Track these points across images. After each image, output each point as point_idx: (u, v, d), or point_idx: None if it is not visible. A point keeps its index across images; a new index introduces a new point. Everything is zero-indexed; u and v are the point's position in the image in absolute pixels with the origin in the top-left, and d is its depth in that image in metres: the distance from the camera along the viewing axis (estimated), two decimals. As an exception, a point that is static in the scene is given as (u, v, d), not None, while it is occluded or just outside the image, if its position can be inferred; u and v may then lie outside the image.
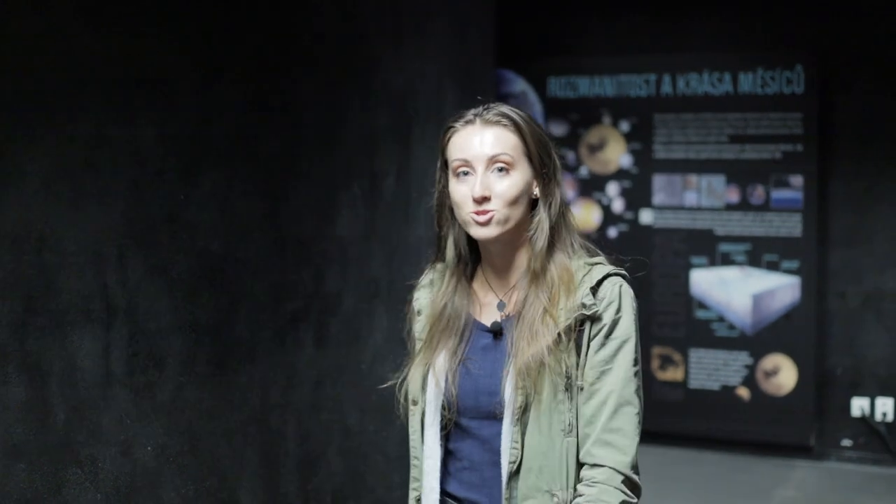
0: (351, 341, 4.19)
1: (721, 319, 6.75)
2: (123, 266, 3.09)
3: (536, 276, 2.34)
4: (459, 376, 2.37)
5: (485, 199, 2.31)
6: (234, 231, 3.52)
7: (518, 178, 2.33)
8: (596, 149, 6.98)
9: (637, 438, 2.29)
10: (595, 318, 2.30)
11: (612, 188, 6.95)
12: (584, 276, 2.33)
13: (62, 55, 2.95)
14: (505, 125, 2.35)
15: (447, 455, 2.41)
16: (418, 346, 2.46)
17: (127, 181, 3.12)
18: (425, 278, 2.52)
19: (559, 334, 2.28)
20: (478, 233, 2.32)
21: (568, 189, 6.99)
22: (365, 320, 4.29)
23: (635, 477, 2.29)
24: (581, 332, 2.30)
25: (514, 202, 2.33)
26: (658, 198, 6.85)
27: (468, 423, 2.37)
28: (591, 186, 6.99)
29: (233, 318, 3.53)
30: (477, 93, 5.25)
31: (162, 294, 3.21)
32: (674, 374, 6.87)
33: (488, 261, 2.41)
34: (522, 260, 2.37)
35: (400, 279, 4.33)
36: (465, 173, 2.33)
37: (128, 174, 3.12)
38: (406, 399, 2.47)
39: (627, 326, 2.31)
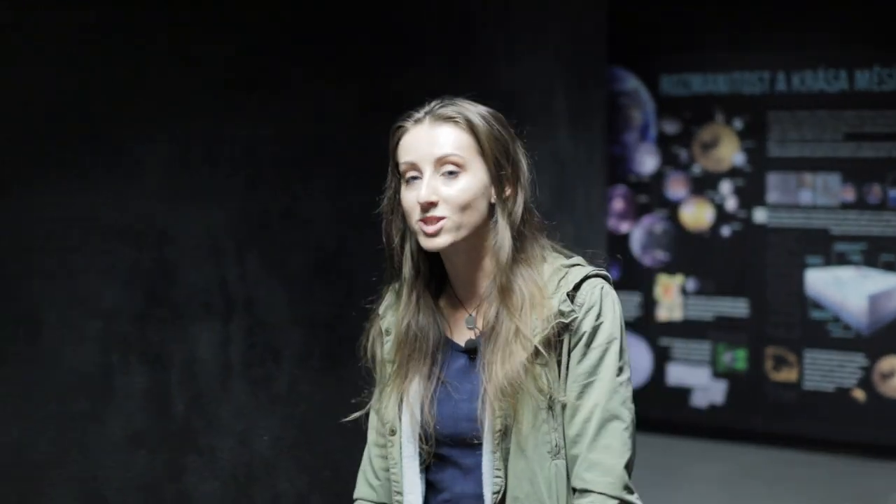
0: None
1: (836, 320, 6.63)
2: (241, 260, 3.15)
3: (504, 289, 2.10)
4: (437, 403, 2.15)
5: (431, 205, 2.08)
6: (348, 226, 3.57)
7: (470, 181, 2.10)
8: (709, 147, 6.91)
9: (628, 455, 2.05)
10: (574, 327, 2.08)
11: (725, 186, 6.88)
12: (560, 280, 2.11)
13: (182, 56, 3.03)
14: (457, 122, 2.12)
15: (428, 487, 2.20)
16: (388, 370, 2.24)
17: (244, 178, 3.19)
18: (388, 299, 2.30)
19: (536, 348, 2.06)
20: (427, 244, 2.09)
21: (680, 187, 6.95)
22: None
23: (629, 497, 2.05)
24: (561, 342, 2.08)
25: (465, 207, 2.09)
26: (772, 196, 6.76)
27: (448, 451, 2.16)
28: (704, 185, 6.92)
29: (346, 312, 3.58)
30: (589, 90, 5.26)
31: (278, 288, 3.28)
32: (788, 374, 6.77)
33: (452, 273, 2.18)
34: (489, 270, 2.14)
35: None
36: (414, 178, 2.10)
37: (245, 171, 3.19)
38: (374, 429, 2.31)
39: (610, 332, 2.07)
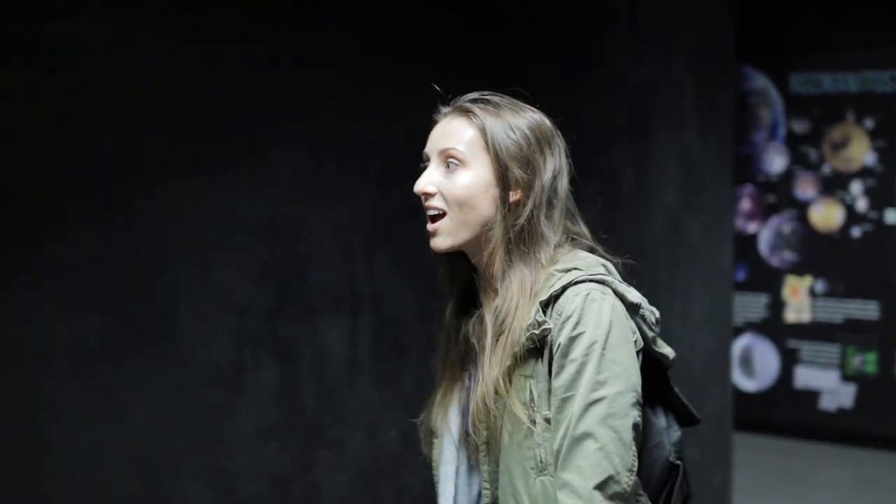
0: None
1: (972, 323, 6.49)
2: (370, 257, 3.19)
3: (492, 296, 2.04)
4: (464, 410, 2.12)
5: (427, 196, 2.04)
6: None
7: (469, 177, 2.02)
8: (839, 146, 6.80)
9: (602, 476, 1.86)
10: (553, 337, 1.94)
11: (856, 187, 6.76)
12: (544, 288, 1.98)
13: (315, 55, 3.08)
14: (470, 117, 2.05)
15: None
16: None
17: (374, 177, 3.23)
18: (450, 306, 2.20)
19: (518, 357, 1.96)
20: (430, 243, 2.06)
21: (809, 187, 6.84)
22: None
23: None
24: (542, 353, 1.96)
25: (462, 204, 2.02)
26: (904, 197, 6.64)
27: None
28: (834, 185, 6.81)
29: (472, 310, 3.61)
30: (717, 89, 5.21)
31: (405, 285, 3.31)
32: (920, 379, 6.64)
33: (477, 271, 2.11)
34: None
35: (636, 274, 4.32)
36: (425, 168, 2.09)
37: (374, 169, 3.23)
38: (425, 432, 2.24)
39: (589, 344, 1.90)
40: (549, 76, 3.97)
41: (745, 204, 7.00)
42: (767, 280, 6.90)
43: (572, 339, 1.91)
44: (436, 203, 2.04)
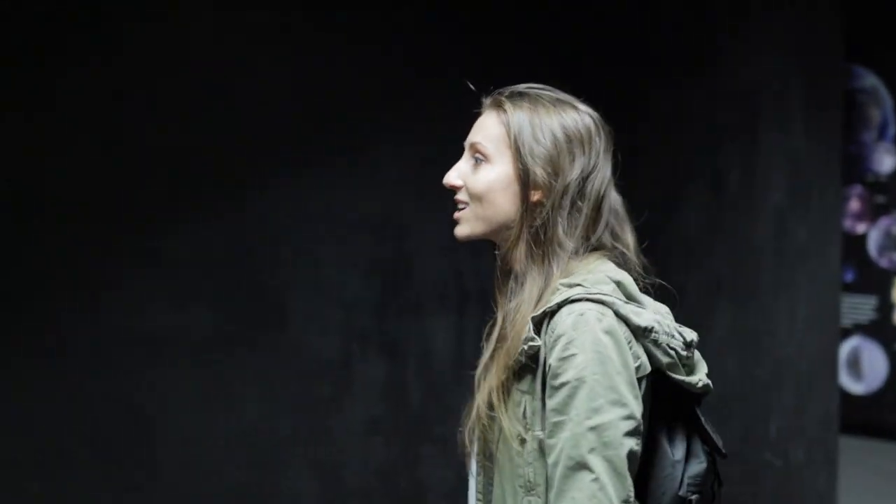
0: (692, 335, 4.20)
1: None
2: (475, 254, 3.22)
3: (505, 294, 1.97)
4: None
5: (453, 188, 2.00)
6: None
7: (490, 173, 1.97)
8: (952, 146, 6.68)
9: None
10: (543, 356, 1.84)
11: (969, 188, 6.64)
12: (548, 301, 1.88)
13: (421, 59, 3.12)
14: (499, 113, 2.00)
15: None
16: None
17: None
18: None
19: (514, 371, 1.87)
20: (454, 232, 2.02)
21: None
22: (707, 315, 4.28)
23: None
24: (535, 371, 1.85)
25: (480, 198, 1.96)
26: None
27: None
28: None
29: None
30: (825, 89, 5.15)
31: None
32: None
33: (500, 269, 2.02)
34: None
35: (742, 275, 4.30)
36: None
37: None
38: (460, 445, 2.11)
39: (581, 367, 1.79)
40: (656, 77, 3.97)
41: (854, 204, 6.91)
42: (876, 282, 6.80)
43: (563, 361, 1.81)
44: (460, 195, 1.99)
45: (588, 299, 1.83)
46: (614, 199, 2.04)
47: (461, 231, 2.00)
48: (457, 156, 3.10)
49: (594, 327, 1.80)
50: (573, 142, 1.97)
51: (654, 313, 1.94)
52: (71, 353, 2.99)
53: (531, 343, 1.83)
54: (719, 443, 1.99)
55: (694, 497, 1.94)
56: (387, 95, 3.04)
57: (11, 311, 2.82)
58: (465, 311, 3.19)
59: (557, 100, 2.01)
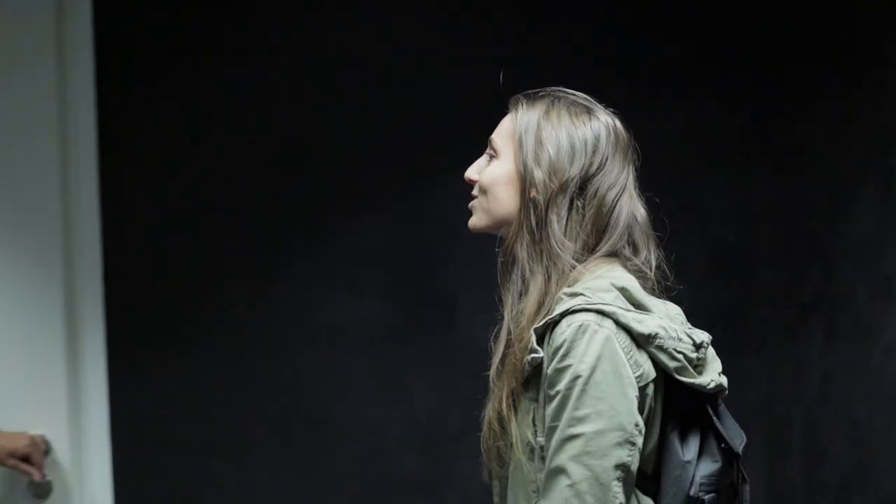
0: (861, 337, 4.16)
1: None
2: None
3: (507, 294, 2.02)
4: None
5: (470, 182, 2.11)
6: (747, 221, 3.61)
7: (496, 168, 2.05)
8: None
9: None
10: (544, 366, 1.87)
11: None
12: (550, 311, 1.91)
13: (596, 53, 3.18)
14: (514, 110, 2.08)
15: None
16: None
17: (648, 172, 3.29)
18: None
19: (522, 380, 1.92)
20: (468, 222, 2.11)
21: None
22: (876, 317, 4.23)
23: None
24: (539, 380, 1.89)
25: (487, 191, 2.05)
26: None
27: None
28: None
29: (744, 306, 3.63)
30: None
31: (678, 279, 3.37)
32: None
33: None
34: None
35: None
36: None
37: (648, 165, 3.30)
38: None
39: (572, 377, 1.82)
40: (824, 72, 3.95)
41: None
42: None
43: (558, 371, 1.85)
44: (474, 189, 2.09)
45: (587, 309, 1.86)
46: (637, 212, 2.08)
47: (471, 222, 2.10)
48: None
49: (590, 338, 1.83)
50: (576, 143, 2.01)
51: (659, 318, 1.96)
52: (254, 342, 3.16)
53: (534, 356, 1.87)
54: (736, 441, 2.00)
55: (707, 497, 1.95)
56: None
57: (201, 301, 2.98)
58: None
59: (574, 103, 2.07)
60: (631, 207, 2.06)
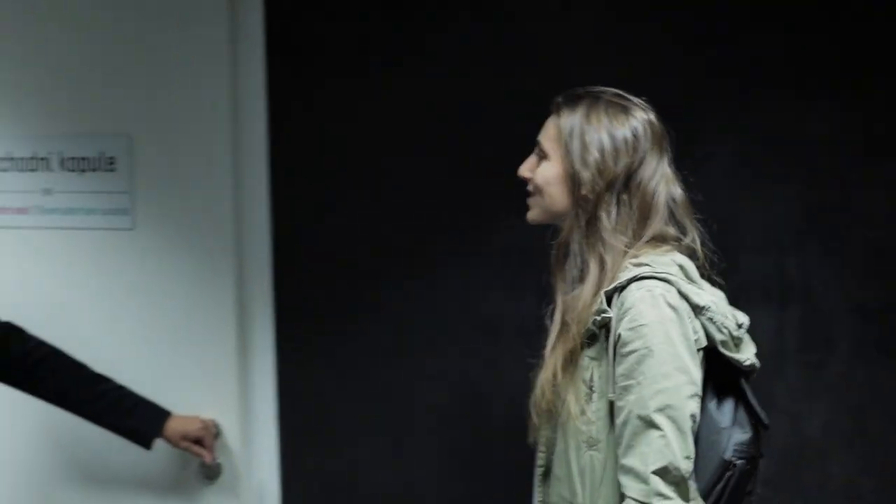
0: None
1: None
2: (800, 249, 3.25)
3: (560, 278, 2.28)
4: None
5: (524, 179, 2.34)
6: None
7: (546, 169, 2.28)
8: None
9: (663, 462, 2.03)
10: (612, 327, 2.11)
11: None
12: (616, 279, 2.15)
13: (745, 52, 3.17)
14: (557, 114, 2.29)
15: None
16: None
17: (805, 169, 3.27)
18: None
19: (583, 341, 2.16)
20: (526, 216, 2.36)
21: None
22: None
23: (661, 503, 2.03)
24: (607, 340, 2.13)
25: (541, 190, 2.29)
26: None
27: None
28: None
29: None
30: None
31: (834, 277, 3.34)
32: None
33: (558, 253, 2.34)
34: None
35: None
36: None
37: (805, 163, 3.27)
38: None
39: (648, 337, 2.05)
40: None
41: None
42: None
43: (631, 331, 2.06)
44: (529, 185, 2.33)
45: (655, 277, 2.10)
46: (676, 194, 2.29)
47: (529, 216, 2.35)
48: (779, 151, 3.16)
49: (660, 302, 2.07)
50: (618, 143, 2.22)
51: (710, 295, 2.21)
52: (416, 334, 3.26)
53: (603, 314, 2.11)
54: (763, 415, 2.20)
55: (739, 462, 2.14)
56: (710, 91, 3.12)
57: (366, 295, 3.08)
58: (787, 306, 3.23)
59: (611, 102, 2.26)
60: (669, 191, 2.28)
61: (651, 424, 2.04)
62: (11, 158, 3.46)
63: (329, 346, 3.34)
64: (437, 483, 3.27)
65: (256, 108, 3.32)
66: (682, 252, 2.29)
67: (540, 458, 2.32)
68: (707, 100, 3.13)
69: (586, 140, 2.22)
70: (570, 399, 2.17)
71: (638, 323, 2.07)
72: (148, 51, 3.32)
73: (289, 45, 3.33)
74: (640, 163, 2.24)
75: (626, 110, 2.27)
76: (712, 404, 2.18)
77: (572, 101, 2.28)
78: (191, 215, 3.33)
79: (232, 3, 3.28)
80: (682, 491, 2.05)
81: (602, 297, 2.13)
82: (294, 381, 3.41)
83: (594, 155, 2.21)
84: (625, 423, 2.07)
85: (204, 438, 3.23)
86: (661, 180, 2.27)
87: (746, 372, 2.24)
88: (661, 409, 2.04)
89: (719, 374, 2.19)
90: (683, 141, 3.08)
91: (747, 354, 2.24)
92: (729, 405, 2.21)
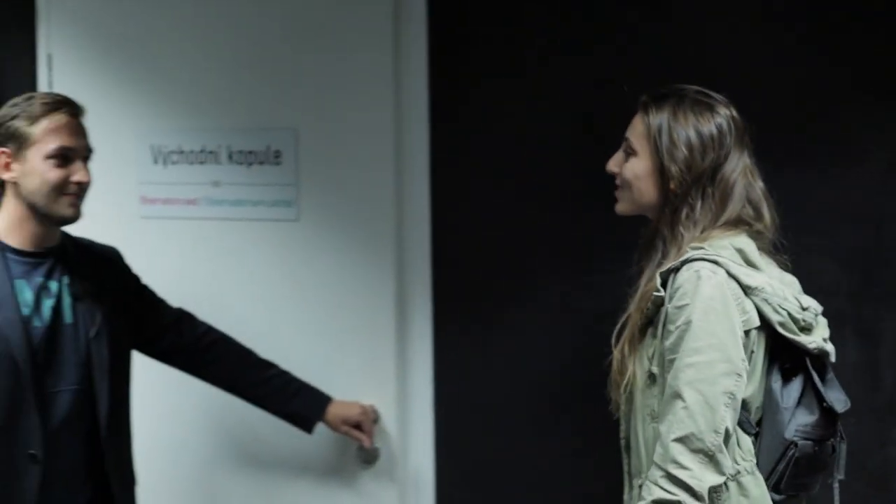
0: None
1: None
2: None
3: (648, 259, 2.42)
4: None
5: (613, 174, 2.48)
6: None
7: (634, 165, 2.40)
8: None
9: (681, 433, 2.16)
10: (665, 306, 2.26)
11: None
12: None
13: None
14: (643, 112, 2.41)
15: None
16: None
17: None
18: None
19: (646, 319, 2.31)
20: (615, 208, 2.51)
21: None
22: None
23: (675, 471, 2.15)
24: (659, 319, 2.28)
25: (630, 185, 2.42)
26: None
27: None
28: None
29: None
30: None
31: None
32: None
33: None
34: None
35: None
36: None
37: None
38: None
39: (690, 313, 2.19)
40: None
41: None
42: None
43: (678, 309, 2.21)
44: (618, 180, 2.47)
45: (704, 259, 2.23)
46: (756, 184, 2.42)
47: (618, 208, 2.49)
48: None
49: (706, 282, 2.20)
50: (704, 140, 2.35)
51: (768, 278, 2.32)
52: (570, 325, 3.32)
53: (656, 294, 2.27)
54: (837, 403, 2.30)
55: (801, 442, 2.25)
56: (872, 83, 3.10)
57: (522, 285, 3.14)
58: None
59: (696, 101, 2.38)
60: (747, 181, 2.40)
61: (678, 395, 2.18)
62: (182, 151, 3.62)
63: (484, 336, 3.42)
64: (593, 467, 3.30)
65: (418, 104, 3.42)
66: (752, 237, 2.40)
67: (621, 431, 2.44)
68: (867, 89, 3.12)
69: (674, 137, 2.35)
70: (637, 374, 2.33)
71: (683, 302, 2.21)
72: (312, 48, 3.45)
73: (450, 43, 3.40)
74: (726, 157, 2.37)
75: (710, 107, 2.39)
76: (777, 385, 2.30)
77: (659, 100, 2.40)
78: (353, 207, 3.45)
79: (396, 11, 3.40)
80: (711, 462, 2.17)
81: (658, 279, 2.28)
82: (450, 369, 3.49)
83: (682, 151, 2.34)
84: (663, 393, 2.25)
85: (363, 423, 3.33)
86: (743, 172, 2.39)
87: (816, 357, 2.33)
88: (689, 383, 2.17)
89: (787, 358, 2.31)
90: (841, 133, 3.11)
91: (815, 338, 2.32)
92: (796, 386, 2.31)
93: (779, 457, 2.28)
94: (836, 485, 2.38)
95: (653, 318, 2.32)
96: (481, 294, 3.43)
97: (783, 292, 2.32)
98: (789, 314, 2.29)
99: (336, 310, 3.49)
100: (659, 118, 2.37)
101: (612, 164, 2.48)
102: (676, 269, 2.26)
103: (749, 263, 2.33)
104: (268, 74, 3.51)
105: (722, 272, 2.23)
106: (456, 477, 3.52)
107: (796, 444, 2.27)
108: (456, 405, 3.50)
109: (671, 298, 2.24)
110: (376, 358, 3.46)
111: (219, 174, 3.58)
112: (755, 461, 2.29)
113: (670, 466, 2.16)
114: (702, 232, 2.34)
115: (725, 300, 2.21)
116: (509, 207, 3.37)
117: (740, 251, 2.32)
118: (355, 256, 3.46)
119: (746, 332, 2.25)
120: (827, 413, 2.32)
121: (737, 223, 2.38)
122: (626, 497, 2.45)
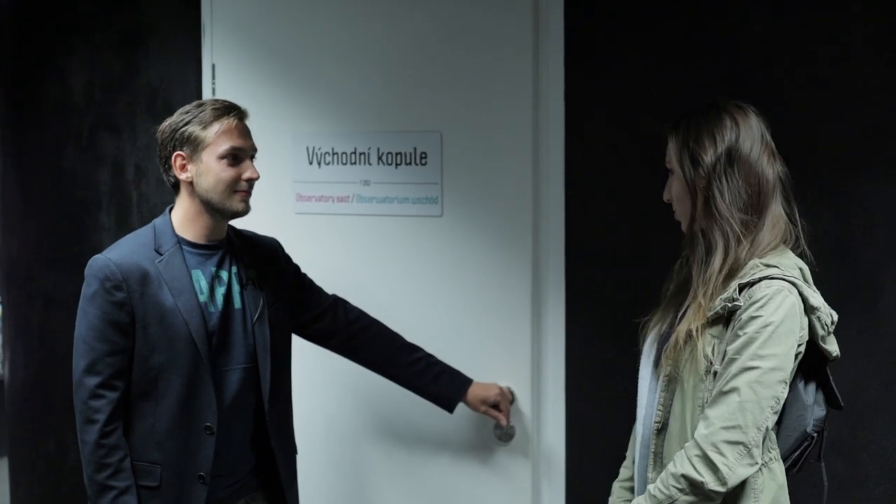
0: None
1: None
2: None
3: (695, 256, 2.53)
4: None
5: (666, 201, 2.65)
6: None
7: (675, 186, 2.58)
8: None
9: (729, 422, 2.33)
10: (738, 313, 2.39)
11: None
12: (747, 274, 2.42)
13: None
14: (671, 136, 2.58)
15: None
16: None
17: None
18: None
19: (711, 319, 2.43)
20: None
21: None
22: None
23: (712, 454, 2.34)
24: (730, 323, 2.41)
25: (673, 201, 2.61)
26: None
27: None
28: None
29: None
30: None
31: None
32: None
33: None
34: None
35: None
36: None
37: None
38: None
39: (763, 325, 2.35)
40: None
41: None
42: None
43: (752, 319, 2.37)
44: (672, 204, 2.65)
45: (783, 279, 2.40)
46: (782, 170, 2.56)
47: (683, 229, 2.61)
48: None
49: (782, 300, 2.37)
50: (715, 136, 2.51)
51: (820, 296, 2.49)
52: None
53: (735, 303, 2.41)
54: (839, 397, 2.57)
55: (815, 435, 2.57)
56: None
57: (649, 282, 3.24)
58: None
59: (706, 113, 2.55)
60: (775, 169, 2.55)
61: (735, 390, 2.37)
62: (334, 153, 3.86)
63: (614, 327, 3.52)
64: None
65: (555, 108, 3.56)
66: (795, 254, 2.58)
67: (657, 416, 2.57)
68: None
69: (696, 157, 2.52)
70: (691, 368, 2.47)
71: (757, 314, 2.38)
72: (456, 56, 3.65)
73: (585, 49, 3.53)
74: (737, 137, 2.51)
75: (719, 112, 2.55)
76: (801, 385, 2.53)
77: (678, 125, 2.58)
78: (492, 204, 3.63)
79: (535, 15, 3.56)
80: (748, 455, 2.37)
81: (735, 288, 2.42)
82: (581, 356, 3.62)
83: (705, 169, 2.51)
84: (717, 386, 2.41)
85: (500, 404, 3.50)
86: (763, 157, 2.53)
87: (830, 360, 2.54)
88: (748, 382, 2.36)
89: (813, 359, 2.50)
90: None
91: (833, 346, 2.53)
92: (812, 386, 2.55)
93: (796, 447, 2.57)
94: (823, 464, 2.64)
95: (717, 320, 2.47)
96: (611, 287, 3.56)
97: (828, 308, 2.52)
98: (828, 328, 2.51)
99: (476, 298, 3.67)
100: (679, 139, 2.56)
101: (666, 191, 2.67)
102: (753, 284, 2.42)
103: (807, 282, 2.53)
104: (414, 82, 3.71)
105: (795, 292, 2.42)
106: (585, 454, 3.64)
107: (812, 437, 2.57)
108: (586, 388, 3.63)
109: (746, 310, 2.40)
110: (513, 343, 3.63)
111: (368, 174, 3.81)
112: (779, 450, 2.54)
113: (709, 449, 2.36)
114: (744, 223, 2.50)
115: (794, 319, 2.40)
116: (638, 207, 3.49)
117: (801, 270, 2.53)
118: (494, 250, 3.63)
119: (799, 345, 2.45)
120: (829, 407, 2.60)
121: (785, 240, 2.57)
122: (650, 475, 2.60)
